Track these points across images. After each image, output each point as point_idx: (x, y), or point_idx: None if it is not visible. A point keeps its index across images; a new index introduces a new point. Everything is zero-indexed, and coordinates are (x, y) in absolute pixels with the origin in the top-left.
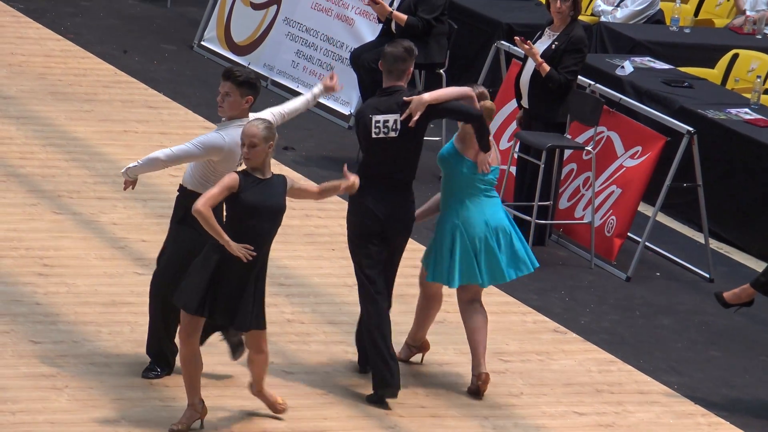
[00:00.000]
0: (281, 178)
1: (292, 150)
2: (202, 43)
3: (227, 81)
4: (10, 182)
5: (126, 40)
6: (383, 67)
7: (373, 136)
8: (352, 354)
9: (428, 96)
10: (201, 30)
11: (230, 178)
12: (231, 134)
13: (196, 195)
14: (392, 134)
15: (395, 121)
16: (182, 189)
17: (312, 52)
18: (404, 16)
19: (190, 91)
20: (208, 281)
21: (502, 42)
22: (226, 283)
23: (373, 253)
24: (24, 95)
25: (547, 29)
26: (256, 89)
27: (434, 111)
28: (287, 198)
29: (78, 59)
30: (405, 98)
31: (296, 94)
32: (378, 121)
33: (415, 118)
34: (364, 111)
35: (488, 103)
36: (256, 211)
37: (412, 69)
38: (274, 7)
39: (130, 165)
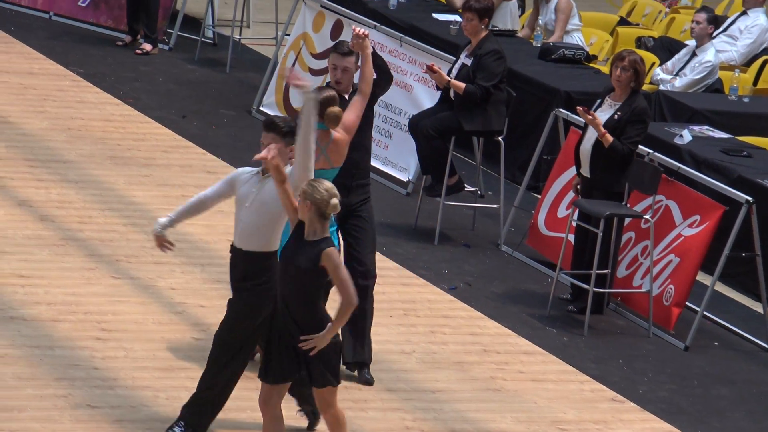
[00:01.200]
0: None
1: None
2: (261, 108)
3: (270, 132)
4: (68, 246)
5: (185, 104)
6: None
7: None
8: (410, 421)
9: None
10: (260, 95)
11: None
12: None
13: (252, 255)
14: None
15: None
16: (236, 251)
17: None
18: (462, 84)
19: (248, 156)
20: (265, 342)
21: (561, 110)
22: (274, 339)
23: None
24: (83, 159)
25: (607, 98)
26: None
27: None
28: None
29: (137, 124)
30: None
31: None
32: None
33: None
34: None
35: (335, 109)
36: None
37: None
38: None
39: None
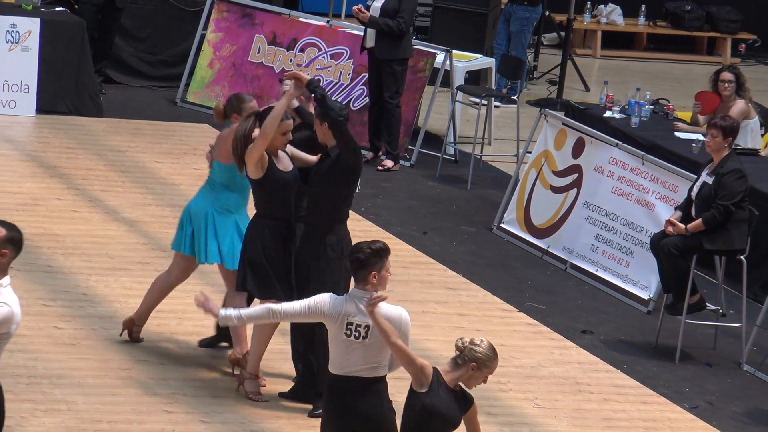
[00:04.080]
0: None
1: (590, 333)
2: (502, 225)
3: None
4: None
5: (425, 221)
6: None
7: None
8: None
9: None
10: (500, 212)
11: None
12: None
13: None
14: None
15: None
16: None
17: (612, 236)
18: (700, 222)
19: (489, 273)
20: None
21: None
22: None
23: None
24: None
25: None
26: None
27: None
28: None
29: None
30: None
31: (596, 278)
32: None
33: None
34: None
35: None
36: None
37: None
38: (574, 190)
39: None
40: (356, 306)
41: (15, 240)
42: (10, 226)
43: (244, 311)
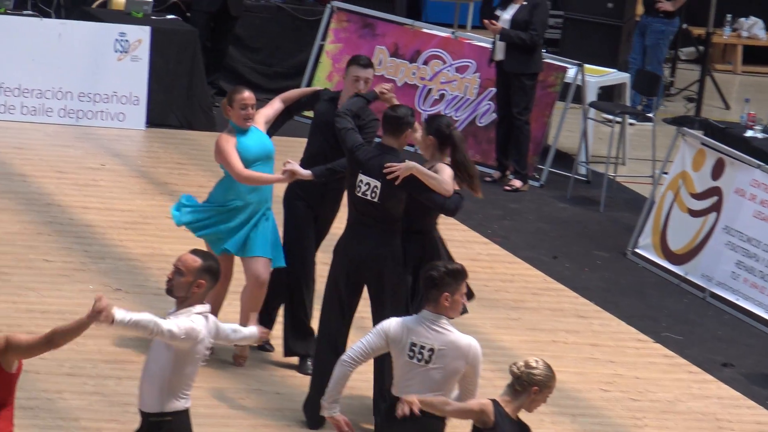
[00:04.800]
0: None
1: (731, 366)
2: (636, 250)
3: None
4: None
5: (556, 244)
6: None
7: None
8: None
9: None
10: (635, 236)
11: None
12: None
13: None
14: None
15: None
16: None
17: (754, 263)
18: None
19: (623, 300)
20: None
21: None
22: None
23: None
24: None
25: None
26: None
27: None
28: None
29: (505, 264)
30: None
31: (737, 307)
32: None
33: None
34: None
35: None
36: None
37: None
38: (714, 214)
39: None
40: (426, 328)
41: (212, 270)
42: (205, 255)
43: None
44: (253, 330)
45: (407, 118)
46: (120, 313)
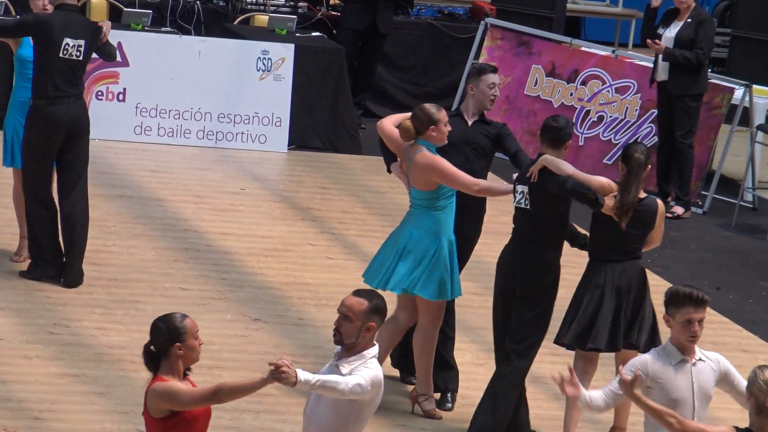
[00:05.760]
0: None
1: None
2: None
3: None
4: None
5: (719, 275)
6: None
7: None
8: None
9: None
10: None
11: None
12: None
13: None
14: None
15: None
16: None
17: None
18: None
19: None
20: None
21: None
22: None
23: None
24: None
25: None
26: None
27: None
28: None
29: None
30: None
31: None
32: None
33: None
34: None
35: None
36: None
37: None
38: None
39: None
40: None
41: (380, 309)
42: (370, 295)
43: None
44: None
45: (568, 128)
46: (304, 374)
